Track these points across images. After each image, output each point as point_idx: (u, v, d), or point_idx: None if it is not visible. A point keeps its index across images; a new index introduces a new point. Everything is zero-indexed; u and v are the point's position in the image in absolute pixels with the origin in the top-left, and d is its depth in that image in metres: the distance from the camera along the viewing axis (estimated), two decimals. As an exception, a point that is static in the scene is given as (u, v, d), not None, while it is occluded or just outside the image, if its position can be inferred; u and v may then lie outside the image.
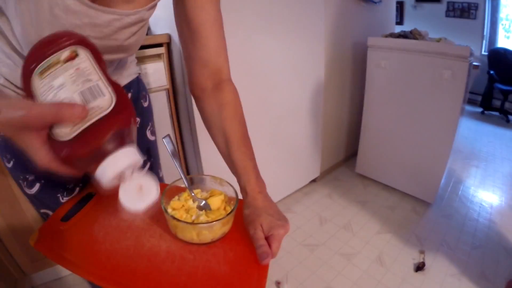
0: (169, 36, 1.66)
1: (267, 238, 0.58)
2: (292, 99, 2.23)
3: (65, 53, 0.48)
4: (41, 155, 0.43)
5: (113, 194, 0.56)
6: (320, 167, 2.74)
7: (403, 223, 2.25)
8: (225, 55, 0.78)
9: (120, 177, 0.49)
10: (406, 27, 3.46)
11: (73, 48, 0.49)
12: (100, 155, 0.46)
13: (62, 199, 0.79)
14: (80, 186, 0.82)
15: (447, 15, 5.29)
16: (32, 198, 0.80)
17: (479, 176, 2.98)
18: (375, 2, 2.74)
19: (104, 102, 0.46)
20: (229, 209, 0.66)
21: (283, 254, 2.00)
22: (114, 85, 0.49)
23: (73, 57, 0.48)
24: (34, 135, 0.43)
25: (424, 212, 2.38)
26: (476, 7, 5.01)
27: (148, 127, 0.96)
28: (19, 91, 0.68)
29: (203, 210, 0.66)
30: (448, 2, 5.23)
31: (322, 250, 2.04)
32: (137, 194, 0.50)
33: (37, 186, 0.77)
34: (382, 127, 2.52)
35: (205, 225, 0.59)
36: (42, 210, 0.81)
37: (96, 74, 0.48)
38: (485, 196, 2.64)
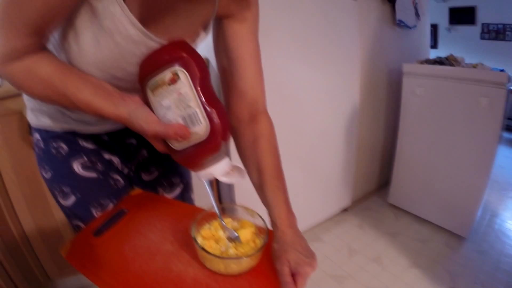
0: (207, 60, 1.67)
1: (293, 275, 0.59)
2: (326, 125, 2.21)
3: (168, 75, 0.56)
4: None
5: (146, 214, 0.78)
6: (352, 196, 2.68)
7: (435, 258, 2.16)
8: (262, 86, 0.81)
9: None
10: (441, 50, 3.40)
11: (174, 69, 0.55)
12: (197, 167, 0.61)
13: (96, 213, 0.82)
14: (115, 202, 0.85)
15: (482, 38, 5.15)
16: (66, 210, 0.83)
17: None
18: (410, 27, 2.70)
19: (201, 129, 0.55)
20: (258, 242, 0.65)
21: (310, 284, 1.95)
22: (212, 104, 0.56)
23: (175, 80, 0.55)
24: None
25: (458, 246, 2.28)
26: (511, 28, 4.87)
27: None
28: None
29: (233, 242, 0.65)
30: (482, 24, 5.10)
31: (350, 283, 1.99)
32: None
33: (72, 198, 0.81)
34: (416, 156, 2.46)
35: (233, 259, 0.60)
36: (75, 222, 0.83)
37: (195, 100, 0.55)
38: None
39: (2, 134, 1.46)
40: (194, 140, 0.56)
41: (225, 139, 0.57)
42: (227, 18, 0.75)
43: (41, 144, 0.82)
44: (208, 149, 0.57)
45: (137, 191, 0.92)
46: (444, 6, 5.32)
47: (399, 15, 2.51)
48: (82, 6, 0.57)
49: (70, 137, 0.82)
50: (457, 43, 5.31)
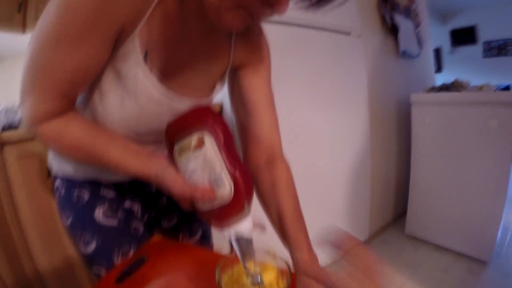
0: (221, 106, 1.75)
1: None
2: (339, 162, 2.24)
3: (194, 140, 0.58)
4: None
5: (166, 260, 0.80)
6: (369, 230, 2.66)
7: (459, 286, 2.15)
8: (278, 132, 0.84)
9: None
10: (446, 74, 3.46)
11: (200, 134, 0.57)
12: (222, 227, 0.61)
13: (117, 261, 0.82)
14: (135, 249, 0.86)
15: (484, 56, 5.23)
16: (86, 257, 0.84)
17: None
18: (414, 57, 2.77)
19: (226, 192, 0.56)
20: (282, 285, 0.66)
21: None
22: (236, 167, 0.57)
23: (200, 145, 0.57)
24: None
25: (481, 272, 2.25)
26: (512, 42, 4.93)
27: None
28: None
29: (257, 286, 0.66)
30: (483, 43, 5.18)
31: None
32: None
33: (93, 245, 0.82)
34: (431, 184, 2.47)
35: None
36: (95, 269, 0.84)
37: (220, 165, 0.56)
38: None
39: (22, 175, 1.51)
40: (220, 202, 0.58)
41: (249, 200, 0.60)
42: (241, 69, 0.80)
43: (62, 191, 0.85)
44: (232, 211, 0.58)
45: (157, 237, 0.94)
46: (444, 29, 5.43)
47: (402, 46, 2.59)
48: (107, 68, 0.63)
49: (91, 185, 0.85)
50: (461, 64, 5.40)
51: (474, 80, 2.61)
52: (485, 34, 5.13)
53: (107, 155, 0.64)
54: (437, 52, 5.54)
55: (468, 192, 2.27)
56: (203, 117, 0.59)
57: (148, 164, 0.63)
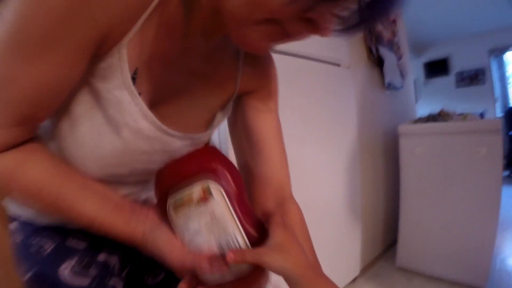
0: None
1: None
2: (330, 196, 2.20)
3: (197, 192, 0.45)
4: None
5: None
6: (360, 264, 2.59)
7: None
8: (287, 170, 0.73)
9: None
10: (421, 104, 3.59)
11: (206, 185, 0.45)
12: None
13: None
14: None
15: (457, 86, 5.48)
16: None
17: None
18: (398, 88, 2.87)
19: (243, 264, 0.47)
20: None
21: None
22: (254, 226, 0.48)
23: (206, 198, 0.45)
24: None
25: (480, 298, 2.28)
26: (483, 72, 5.20)
27: None
28: None
29: None
30: (456, 73, 5.43)
31: None
32: None
33: None
34: (421, 214, 2.48)
35: None
36: None
37: (233, 224, 0.45)
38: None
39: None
40: (234, 272, 0.46)
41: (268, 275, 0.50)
42: (247, 96, 0.69)
43: (19, 237, 0.65)
44: (252, 285, 0.48)
45: None
46: (418, 62, 5.67)
47: (387, 78, 2.68)
48: (82, 88, 0.47)
49: (57, 232, 0.64)
50: (435, 95, 5.63)
51: (448, 109, 2.69)
52: (457, 65, 5.40)
53: (77, 207, 0.49)
54: (413, 84, 5.72)
55: (460, 220, 2.29)
56: (208, 162, 0.48)
57: (133, 223, 0.50)
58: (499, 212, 2.13)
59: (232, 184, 0.47)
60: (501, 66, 5.30)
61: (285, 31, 0.43)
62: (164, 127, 0.52)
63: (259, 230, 0.48)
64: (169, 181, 0.49)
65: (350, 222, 2.38)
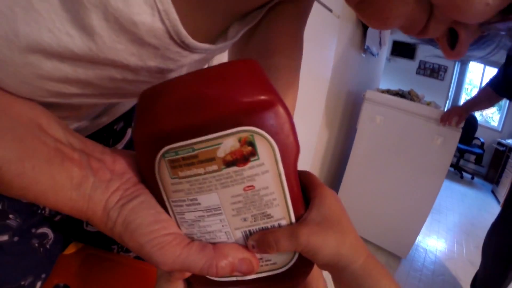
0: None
1: None
2: None
3: (228, 143, 0.25)
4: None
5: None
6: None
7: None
8: (294, 104, 0.61)
9: None
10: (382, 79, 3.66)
11: (247, 131, 0.25)
12: None
13: None
14: (44, 275, 0.52)
15: (417, 73, 5.65)
16: None
17: (441, 230, 3.17)
18: (374, 55, 2.85)
19: (280, 257, 0.31)
20: None
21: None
22: (303, 202, 0.31)
23: (244, 156, 0.26)
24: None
25: (397, 266, 2.45)
26: (445, 69, 5.40)
27: None
28: None
29: None
30: (420, 61, 5.57)
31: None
32: None
33: None
34: (364, 180, 2.55)
35: None
36: None
37: (282, 200, 0.28)
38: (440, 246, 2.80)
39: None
40: (261, 270, 0.32)
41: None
42: (278, 6, 0.51)
43: None
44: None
45: (74, 247, 0.57)
46: (389, 38, 5.71)
47: (367, 41, 2.64)
48: None
49: None
50: (395, 73, 5.74)
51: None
52: (422, 53, 5.53)
53: None
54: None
55: (399, 195, 2.40)
56: (255, 92, 0.26)
57: (87, 185, 0.27)
58: (435, 198, 2.26)
59: (292, 139, 0.27)
60: (464, 71, 5.50)
61: (425, 25, 0.31)
62: (180, 27, 0.29)
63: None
64: (169, 118, 0.26)
65: (303, 160, 2.37)
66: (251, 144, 0.25)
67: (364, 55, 2.75)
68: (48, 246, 0.52)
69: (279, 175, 0.27)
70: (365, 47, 2.63)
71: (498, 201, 4.35)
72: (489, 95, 1.89)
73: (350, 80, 2.69)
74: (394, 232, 2.46)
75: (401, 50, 5.66)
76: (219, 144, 0.25)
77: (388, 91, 2.57)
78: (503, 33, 0.31)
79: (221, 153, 0.26)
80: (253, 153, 0.26)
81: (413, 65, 5.68)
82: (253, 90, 0.25)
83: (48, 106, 0.30)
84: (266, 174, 0.27)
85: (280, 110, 0.26)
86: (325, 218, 0.30)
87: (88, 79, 0.30)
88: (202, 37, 0.35)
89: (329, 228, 0.30)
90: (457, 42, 0.32)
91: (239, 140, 0.25)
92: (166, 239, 0.28)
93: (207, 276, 0.31)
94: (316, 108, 2.29)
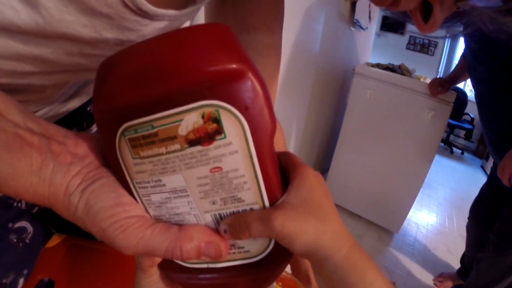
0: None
1: None
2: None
3: (191, 119, 0.22)
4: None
5: (82, 277, 0.50)
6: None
7: (371, 253, 2.29)
8: (276, 84, 0.56)
9: None
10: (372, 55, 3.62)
11: (211, 105, 0.22)
12: None
13: None
14: (26, 271, 0.49)
15: (407, 48, 5.59)
16: None
17: (432, 204, 3.19)
18: (363, 29, 2.78)
19: (254, 244, 0.28)
20: None
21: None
22: (280, 191, 0.28)
23: (209, 134, 0.23)
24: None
25: (389, 241, 2.45)
26: (435, 45, 5.35)
27: None
28: None
29: None
30: (410, 36, 5.51)
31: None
32: None
33: None
34: (355, 155, 2.53)
35: None
36: None
37: (256, 189, 0.25)
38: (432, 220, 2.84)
39: None
40: (234, 258, 0.29)
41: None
42: None
43: None
44: (261, 278, 0.31)
45: (56, 239, 0.55)
46: (378, 13, 5.63)
47: (357, 15, 2.57)
48: None
49: None
50: (384, 48, 5.66)
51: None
52: (412, 28, 5.45)
53: None
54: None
55: (390, 170, 2.38)
56: (221, 60, 0.22)
57: (46, 170, 0.25)
58: (427, 173, 2.24)
59: (266, 114, 0.24)
60: (454, 47, 5.43)
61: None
62: None
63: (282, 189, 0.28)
64: (125, 92, 0.23)
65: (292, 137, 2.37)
66: (216, 120, 0.22)
67: (353, 29, 2.68)
68: (27, 241, 0.49)
69: (250, 156, 0.24)
70: (354, 20, 2.56)
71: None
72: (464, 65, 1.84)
73: (339, 54, 2.63)
74: (386, 207, 2.46)
75: (391, 25, 5.59)
76: (180, 120, 0.22)
77: (378, 65, 2.52)
78: (478, 8, 0.30)
79: (182, 130, 0.23)
80: (219, 130, 0.23)
81: (403, 40, 5.60)
82: (219, 57, 0.22)
83: (9, 90, 0.29)
84: (235, 154, 0.24)
85: (251, 80, 0.22)
86: (304, 202, 0.27)
87: (42, 55, 0.29)
88: (165, 2, 0.32)
89: (308, 213, 0.27)
90: (430, 16, 0.32)
91: (202, 116, 0.22)
92: (128, 221, 0.25)
93: (177, 262, 0.29)
94: (305, 83, 2.25)
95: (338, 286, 0.27)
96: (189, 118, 0.22)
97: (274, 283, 0.36)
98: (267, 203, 0.26)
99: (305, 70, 2.18)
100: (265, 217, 0.26)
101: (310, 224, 0.26)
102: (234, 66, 0.21)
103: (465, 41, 1.59)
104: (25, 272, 0.49)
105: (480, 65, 1.43)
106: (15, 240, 0.47)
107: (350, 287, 0.27)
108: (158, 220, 0.27)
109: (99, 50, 0.32)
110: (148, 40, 0.24)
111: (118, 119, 0.24)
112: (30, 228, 0.50)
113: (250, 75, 0.22)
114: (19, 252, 0.48)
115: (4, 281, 0.45)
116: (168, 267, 0.30)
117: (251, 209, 0.27)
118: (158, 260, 0.30)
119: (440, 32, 0.37)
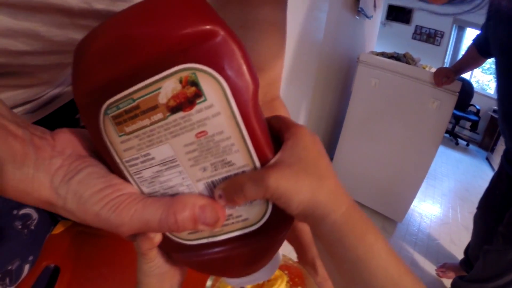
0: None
1: None
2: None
3: (169, 86, 0.22)
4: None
5: (89, 263, 0.50)
6: None
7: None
8: (283, 60, 0.56)
9: None
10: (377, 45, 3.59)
11: (188, 68, 0.21)
12: (232, 275, 0.33)
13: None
14: (32, 257, 0.50)
15: (413, 37, 5.53)
16: None
17: (436, 195, 3.18)
18: (368, 17, 2.75)
19: (252, 211, 0.27)
20: None
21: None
22: (271, 154, 0.27)
23: (189, 99, 0.22)
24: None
25: (393, 230, 2.45)
26: (442, 35, 5.29)
27: None
28: None
29: None
30: (416, 26, 5.45)
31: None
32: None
33: None
34: (359, 145, 2.52)
35: None
36: None
37: (244, 150, 0.25)
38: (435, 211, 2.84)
39: None
40: (231, 229, 0.28)
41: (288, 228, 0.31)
42: None
43: None
44: (262, 247, 0.30)
45: (62, 226, 0.57)
46: (384, 1, 5.57)
47: (362, 3, 2.53)
48: None
49: None
50: (390, 38, 5.63)
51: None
52: (418, 18, 5.40)
53: None
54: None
55: (395, 159, 2.37)
56: (193, 23, 0.21)
57: (29, 164, 0.24)
58: (431, 163, 2.22)
59: (246, 72, 0.23)
60: (461, 37, 5.37)
61: None
62: None
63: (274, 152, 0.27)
64: (101, 69, 0.23)
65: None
66: (195, 83, 0.22)
67: (358, 17, 2.65)
68: (33, 227, 0.50)
69: (234, 116, 0.23)
70: (359, 9, 2.52)
71: (493, 168, 4.34)
72: (475, 54, 1.81)
73: (344, 42, 2.60)
74: (390, 196, 2.45)
75: (397, 15, 5.53)
76: (159, 89, 0.22)
77: (383, 54, 2.50)
78: None
79: (162, 98, 0.22)
80: (198, 94, 0.22)
81: (409, 30, 5.54)
82: (189, 20, 0.21)
83: (6, 74, 0.30)
84: (218, 116, 0.23)
85: (225, 39, 0.22)
86: (299, 160, 0.26)
87: (33, 29, 0.28)
88: None
89: (303, 171, 0.26)
90: None
91: (180, 81, 0.22)
92: (119, 199, 0.25)
93: (177, 240, 0.29)
94: (309, 71, 2.22)
95: (336, 249, 0.26)
96: (168, 85, 0.22)
97: (281, 257, 0.35)
98: (258, 164, 0.26)
99: (309, 59, 2.16)
100: (259, 176, 0.25)
101: (305, 182, 0.26)
102: (205, 27, 0.21)
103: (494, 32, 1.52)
104: (31, 258, 0.49)
105: None
106: (20, 227, 0.47)
107: (349, 249, 0.26)
108: (152, 196, 0.27)
109: (91, 21, 0.31)
110: (117, 13, 0.23)
111: (98, 99, 0.23)
112: (35, 215, 0.51)
113: (222, 33, 0.22)
114: (24, 238, 0.48)
115: (9, 267, 0.45)
116: (168, 247, 0.30)
117: (244, 172, 0.26)
118: (157, 241, 0.29)
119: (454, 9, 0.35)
